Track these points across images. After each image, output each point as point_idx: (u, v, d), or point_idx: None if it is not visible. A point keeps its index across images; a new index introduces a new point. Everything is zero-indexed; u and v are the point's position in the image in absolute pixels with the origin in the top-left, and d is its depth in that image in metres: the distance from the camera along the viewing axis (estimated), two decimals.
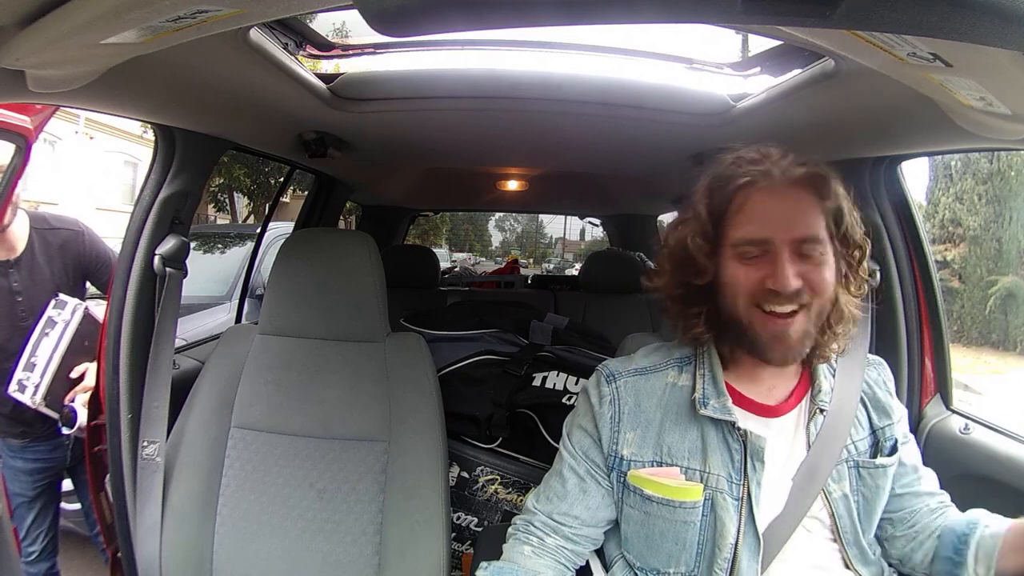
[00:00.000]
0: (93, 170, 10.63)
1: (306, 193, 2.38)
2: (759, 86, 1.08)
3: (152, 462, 1.07)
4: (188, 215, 1.19)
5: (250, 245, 3.33)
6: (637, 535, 0.79)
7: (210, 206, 11.86)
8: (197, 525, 1.08)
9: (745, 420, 0.77)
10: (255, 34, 0.85)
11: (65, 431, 1.42)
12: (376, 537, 1.08)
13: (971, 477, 0.88)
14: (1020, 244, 8.06)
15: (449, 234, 29.65)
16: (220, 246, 3.82)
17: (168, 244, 1.13)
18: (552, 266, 21.42)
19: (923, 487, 0.83)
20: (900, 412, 0.84)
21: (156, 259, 1.11)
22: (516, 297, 2.77)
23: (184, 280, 1.17)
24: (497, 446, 1.39)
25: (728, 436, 0.77)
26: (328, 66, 1.20)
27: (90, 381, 1.37)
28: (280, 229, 3.11)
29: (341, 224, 3.03)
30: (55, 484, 1.67)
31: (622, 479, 0.80)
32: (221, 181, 11.17)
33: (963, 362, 7.10)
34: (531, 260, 26.54)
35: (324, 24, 1.11)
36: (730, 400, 0.77)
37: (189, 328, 2.48)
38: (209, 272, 3.26)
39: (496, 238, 40.08)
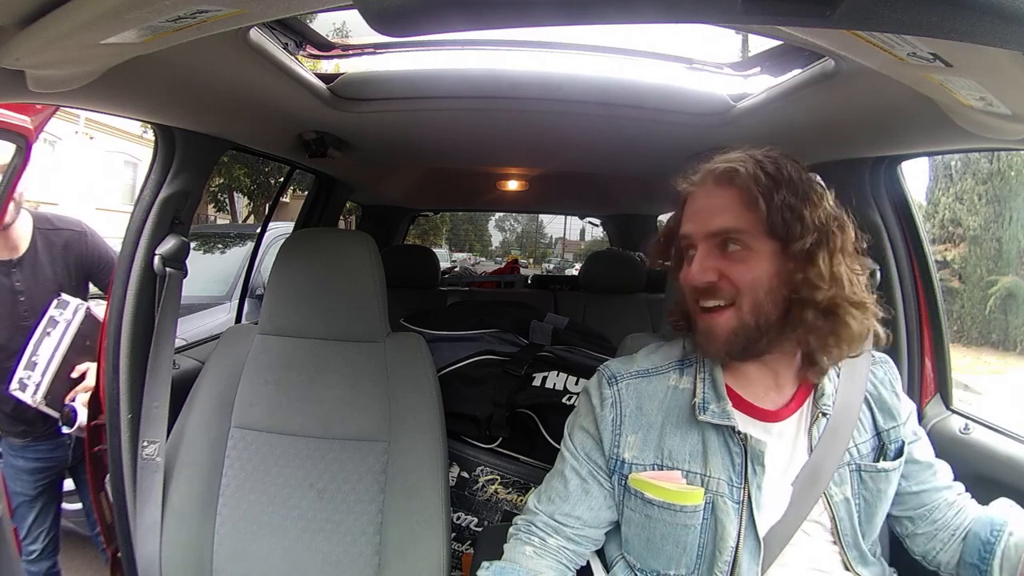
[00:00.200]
0: (93, 170, 10.63)
1: (306, 193, 2.38)
2: (759, 86, 1.08)
3: (152, 462, 1.07)
4: (188, 215, 1.19)
5: (250, 245, 3.33)
6: (638, 537, 0.79)
7: (210, 206, 11.85)
8: (197, 525, 1.08)
9: (745, 424, 0.77)
10: (255, 34, 0.85)
11: (65, 430, 1.42)
12: (376, 537, 1.08)
13: (971, 477, 0.88)
14: (1020, 244, 8.06)
15: (449, 234, 29.66)
16: (220, 246, 3.81)
17: (168, 244, 1.13)
18: (552, 266, 21.43)
19: (940, 481, 0.83)
20: (907, 411, 0.83)
21: (156, 259, 1.11)
22: (516, 297, 2.77)
23: (184, 280, 1.17)
24: (497, 446, 1.39)
25: (729, 440, 0.76)
26: (328, 66, 1.20)
27: (91, 381, 1.37)
28: (280, 229, 3.11)
29: (341, 224, 3.03)
30: (56, 483, 1.67)
31: (623, 482, 0.80)
32: (221, 181, 11.17)
33: (963, 362, 7.10)
34: (531, 260, 26.55)
35: (324, 24, 1.11)
36: (730, 404, 0.77)
37: (189, 328, 2.48)
38: (209, 272, 3.25)
39: (496, 238, 40.16)
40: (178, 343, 1.25)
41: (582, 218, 4.48)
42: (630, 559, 0.82)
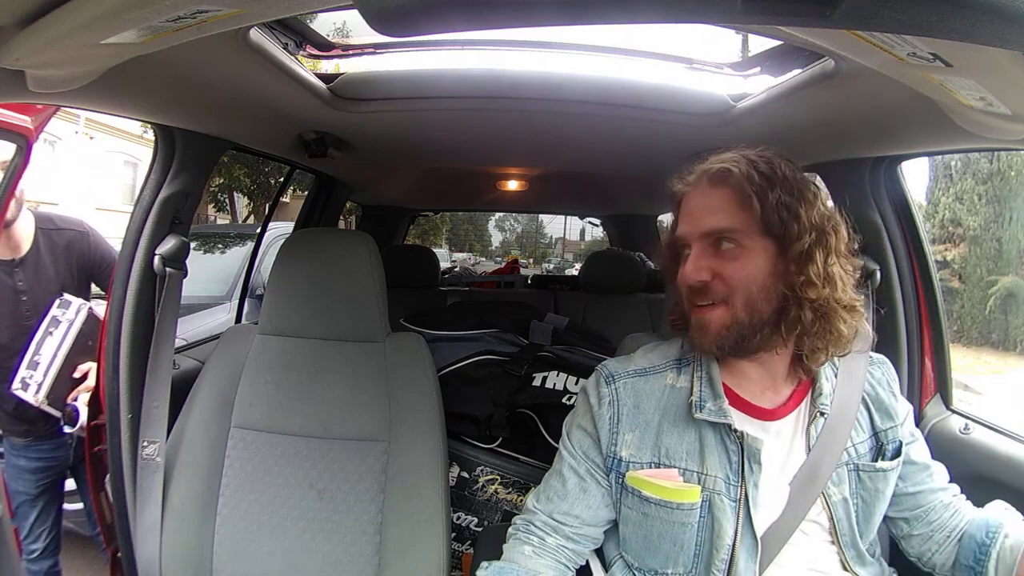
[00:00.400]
0: (93, 170, 10.63)
1: (306, 193, 2.38)
2: (759, 86, 1.08)
3: (152, 462, 1.07)
4: (188, 215, 1.19)
5: (250, 245, 3.33)
6: (635, 536, 0.79)
7: (210, 206, 11.85)
8: (197, 525, 1.08)
9: (742, 423, 0.77)
10: (255, 34, 0.85)
11: (67, 430, 1.42)
12: (376, 537, 1.08)
13: (971, 477, 0.88)
14: (1020, 244, 8.05)
15: (449, 234, 29.65)
16: (220, 246, 3.82)
17: (168, 244, 1.13)
18: (552, 266, 21.42)
19: (936, 483, 0.83)
20: (904, 412, 0.84)
21: (156, 259, 1.11)
22: (516, 297, 2.77)
23: (184, 280, 1.17)
24: (497, 446, 1.39)
25: (725, 438, 0.77)
26: (328, 66, 1.20)
27: (93, 381, 1.38)
28: (280, 229, 3.11)
29: (341, 224, 3.03)
30: (58, 483, 1.68)
31: (620, 480, 0.80)
32: (221, 181, 11.16)
33: (963, 362, 7.09)
34: (531, 260, 26.54)
35: (324, 24, 1.11)
36: (727, 402, 0.77)
37: (189, 328, 2.48)
38: (209, 272, 3.26)
39: (496, 238, 40.15)
40: (178, 343, 1.25)
41: (582, 218, 4.48)
42: (628, 558, 0.82)
